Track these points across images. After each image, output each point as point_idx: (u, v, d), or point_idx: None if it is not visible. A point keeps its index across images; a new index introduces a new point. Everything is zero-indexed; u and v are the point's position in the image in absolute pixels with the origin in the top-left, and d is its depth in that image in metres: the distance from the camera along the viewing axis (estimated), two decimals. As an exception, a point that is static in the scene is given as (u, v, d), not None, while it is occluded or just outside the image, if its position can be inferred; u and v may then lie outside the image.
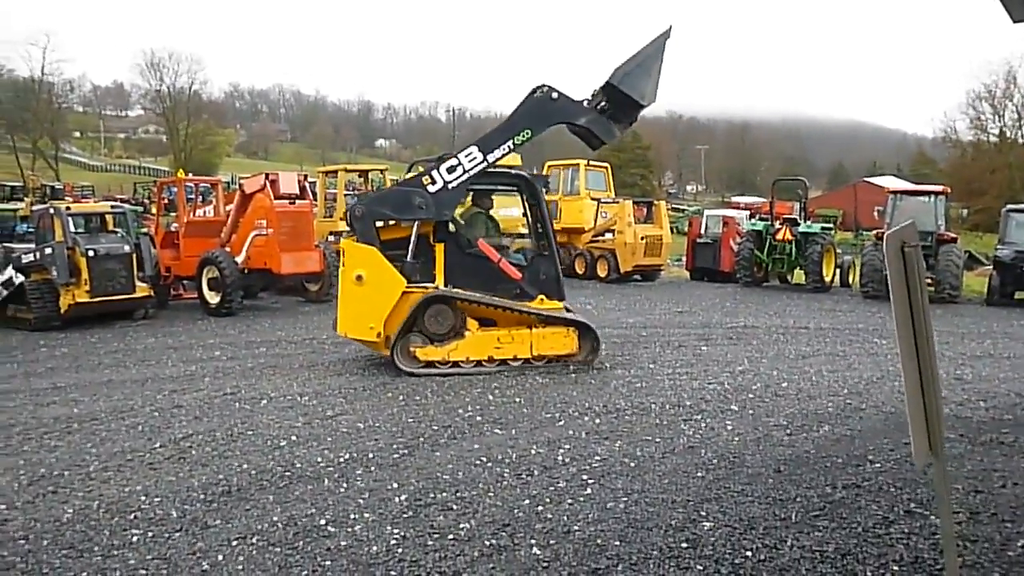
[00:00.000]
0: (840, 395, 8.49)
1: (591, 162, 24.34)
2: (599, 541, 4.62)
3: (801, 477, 5.77)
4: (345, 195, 19.48)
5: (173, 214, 18.22)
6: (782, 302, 17.79)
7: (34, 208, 26.47)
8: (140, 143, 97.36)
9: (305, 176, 17.36)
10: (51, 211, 14.81)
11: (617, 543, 4.59)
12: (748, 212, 31.33)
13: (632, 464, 6.02)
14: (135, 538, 4.96)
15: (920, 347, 2.75)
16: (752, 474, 5.82)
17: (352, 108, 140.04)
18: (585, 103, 9.27)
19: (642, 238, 21.32)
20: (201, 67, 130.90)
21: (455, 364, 9.47)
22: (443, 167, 9.39)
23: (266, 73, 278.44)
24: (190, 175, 22.40)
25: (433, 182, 9.33)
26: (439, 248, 9.66)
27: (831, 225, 27.10)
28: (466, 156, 9.36)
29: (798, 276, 21.34)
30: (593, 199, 22.73)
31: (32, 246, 15.02)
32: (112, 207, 17.07)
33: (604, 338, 11.93)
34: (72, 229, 14.11)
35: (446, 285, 9.60)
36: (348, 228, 9.95)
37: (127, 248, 14.36)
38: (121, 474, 6.19)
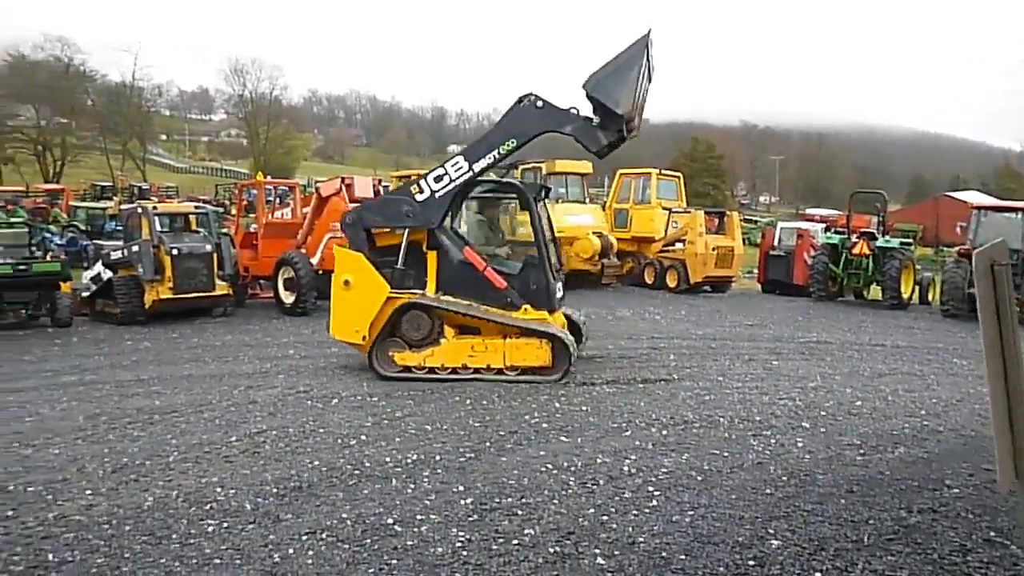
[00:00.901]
0: (917, 416, 8.22)
1: (663, 171, 24.15)
2: (664, 554, 4.58)
3: (874, 499, 5.61)
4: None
5: (252, 215, 18.79)
6: (857, 318, 17.30)
7: (122, 207, 27.65)
8: (222, 146, 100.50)
9: (379, 180, 17.69)
10: (139, 210, 15.44)
11: (682, 557, 4.55)
12: (823, 224, 30.55)
13: (699, 478, 5.95)
14: (210, 528, 5.14)
15: (1009, 369, 2.66)
16: (823, 494, 5.69)
17: (426, 114, 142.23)
18: (571, 111, 9.17)
19: (713, 249, 21.02)
20: (282, 73, 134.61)
21: (431, 370, 9.56)
22: (430, 176, 9.59)
23: (343, 79, 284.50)
24: (269, 178, 23.03)
25: (421, 191, 9.54)
26: (431, 256, 9.74)
27: (910, 240, 26.23)
28: (452, 166, 9.51)
29: (875, 292, 20.72)
30: (664, 208, 22.52)
31: (120, 244, 15.69)
32: (196, 208, 17.69)
33: (672, 349, 11.88)
34: (158, 228, 14.68)
35: (437, 292, 9.68)
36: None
37: (209, 248, 14.87)
38: (199, 466, 6.42)
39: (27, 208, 34.92)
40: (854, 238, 20.26)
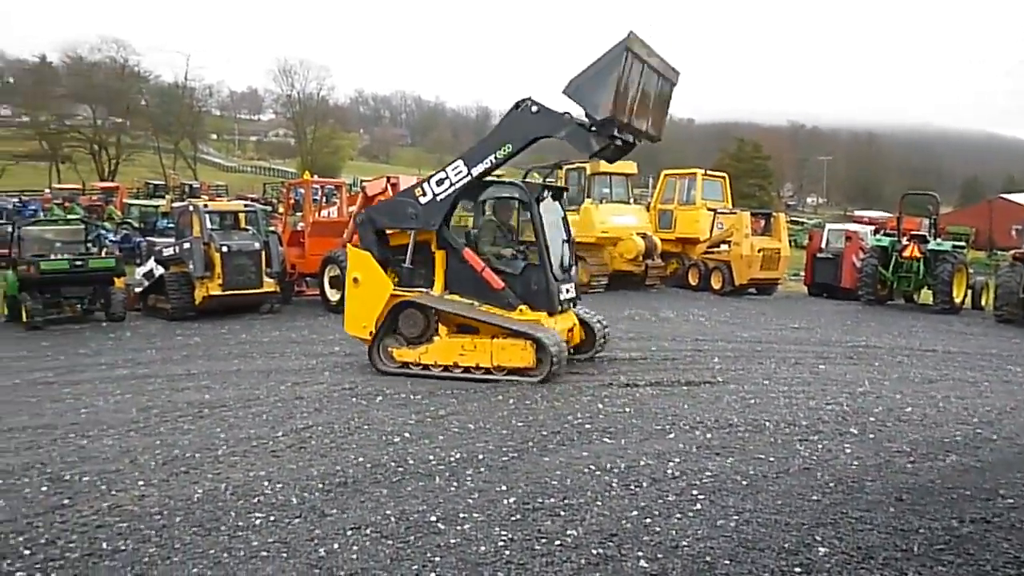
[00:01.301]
0: (969, 423, 8.02)
1: (708, 171, 23.93)
2: (708, 559, 4.55)
3: (924, 508, 5.49)
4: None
5: (299, 214, 19.07)
6: (907, 322, 16.94)
7: (174, 205, 28.28)
8: (270, 146, 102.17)
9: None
10: (190, 208, 15.79)
11: (727, 562, 4.51)
12: (872, 227, 29.97)
13: (744, 482, 5.88)
14: (258, 521, 5.24)
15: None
16: (872, 501, 5.58)
17: (470, 113, 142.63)
18: (566, 115, 9.16)
19: (759, 250, 20.76)
20: (329, 74, 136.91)
21: (425, 367, 9.71)
22: (433, 180, 9.79)
23: (389, 80, 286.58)
24: (316, 177, 23.34)
25: (424, 194, 9.76)
26: (439, 255, 9.94)
27: (963, 243, 25.62)
28: (453, 170, 9.67)
29: (925, 296, 20.26)
30: (709, 209, 22.32)
31: (172, 241, 16.05)
32: (245, 206, 18.01)
33: (716, 351, 11.76)
34: (209, 226, 14.99)
35: (445, 290, 9.90)
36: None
37: (257, 245, 15.14)
38: (246, 459, 6.54)
39: (83, 205, 35.93)
40: (904, 241, 19.84)
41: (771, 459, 6.51)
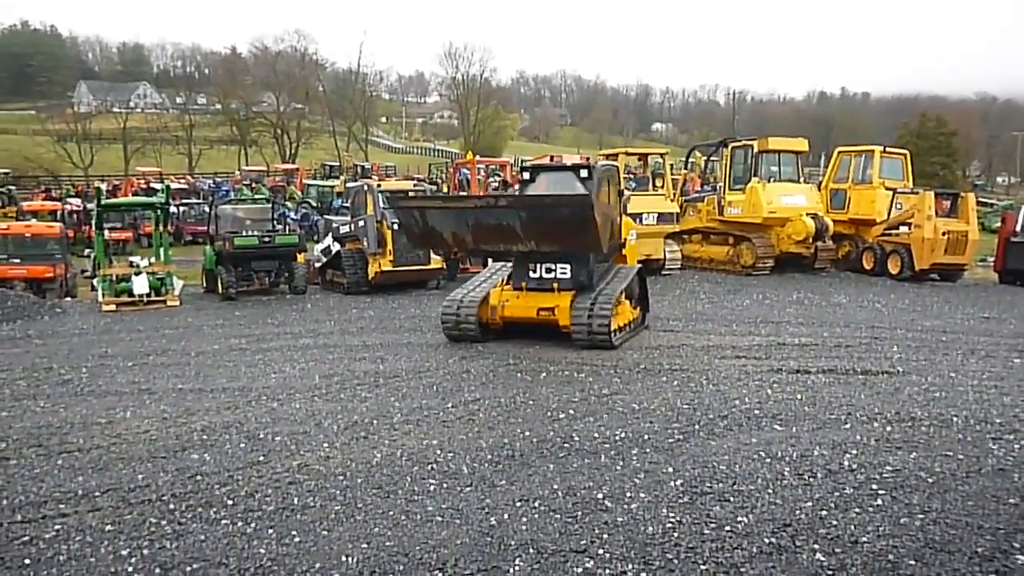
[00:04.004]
0: None
1: (888, 148, 22.39)
2: (891, 557, 4.32)
3: None
4: (624, 178, 19.69)
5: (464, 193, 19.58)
6: (1121, 315, 15.19)
7: (348, 185, 29.80)
8: (435, 127, 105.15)
9: (587, 159, 17.80)
10: (365, 188, 16.60)
11: (912, 562, 4.27)
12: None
13: (930, 480, 5.53)
14: (432, 487, 5.49)
15: None
16: (1080, 509, 5.10)
17: (630, 92, 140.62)
18: None
19: (944, 233, 19.23)
20: (492, 56, 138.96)
21: None
22: None
23: (550, 60, 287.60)
24: (479, 157, 23.90)
25: None
26: None
27: None
28: None
29: None
30: (888, 189, 20.91)
31: (347, 219, 16.97)
32: (413, 186, 18.73)
33: (895, 340, 11.09)
34: (381, 205, 15.71)
35: None
36: None
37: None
38: (419, 428, 6.87)
39: (267, 186, 38.58)
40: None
41: (960, 457, 6.07)
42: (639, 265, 11.81)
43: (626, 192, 13.16)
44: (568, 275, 10.40)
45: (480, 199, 11.06)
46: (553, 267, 10.45)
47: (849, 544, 4.47)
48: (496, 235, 9.99)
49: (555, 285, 10.42)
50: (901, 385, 8.42)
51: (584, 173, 10.66)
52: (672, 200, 19.05)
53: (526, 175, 11.46)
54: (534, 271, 10.56)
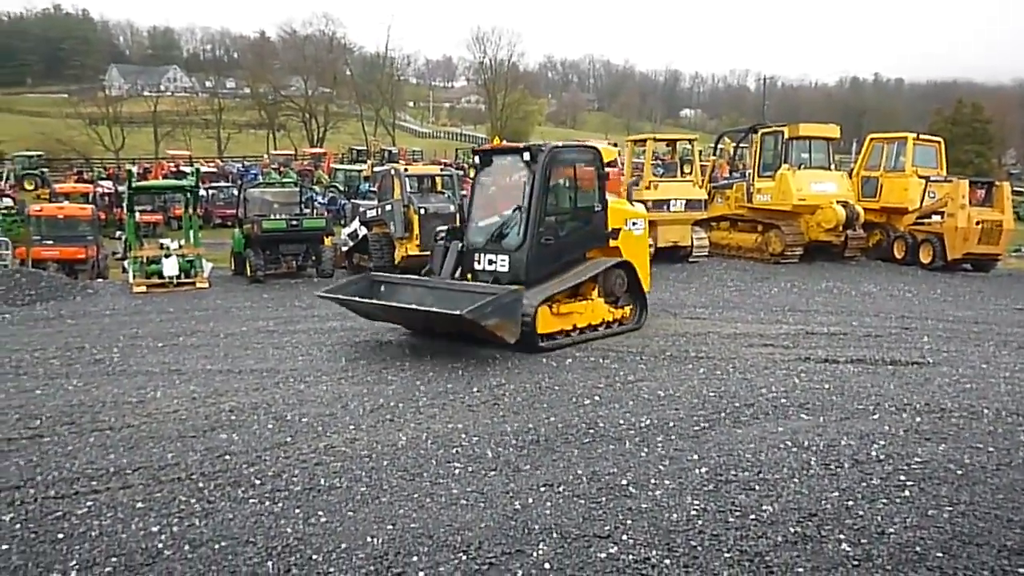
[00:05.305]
0: None
1: (921, 135, 22.01)
2: (918, 549, 4.28)
3: None
4: (652, 164, 19.56)
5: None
6: None
7: (376, 169, 29.89)
8: (462, 112, 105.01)
9: (615, 145, 17.68)
10: (392, 172, 16.64)
11: (939, 554, 4.23)
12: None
13: (959, 472, 5.46)
14: (457, 471, 5.53)
15: None
16: (1114, 503, 5.01)
17: (659, 77, 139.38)
18: None
19: (977, 223, 18.88)
20: (520, 40, 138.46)
21: None
22: None
23: (578, 44, 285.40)
24: (505, 142, 23.81)
25: None
26: None
27: None
28: None
29: None
30: (921, 177, 20.57)
31: (374, 203, 17.04)
32: (441, 170, 18.75)
33: (926, 330, 10.94)
34: (408, 189, 15.75)
35: None
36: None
37: (452, 208, 15.72)
38: (445, 412, 6.91)
39: (295, 170, 38.80)
40: None
41: (990, 449, 5.98)
42: (621, 259, 10.47)
43: (612, 174, 11.97)
44: (507, 268, 9.66)
45: (385, 308, 9.74)
46: (494, 259, 9.82)
47: (875, 535, 4.44)
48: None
49: (495, 278, 9.71)
50: (931, 376, 8.31)
51: (527, 156, 9.71)
52: (700, 187, 18.89)
53: (477, 159, 10.62)
54: (478, 262, 10.00)
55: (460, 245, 10.09)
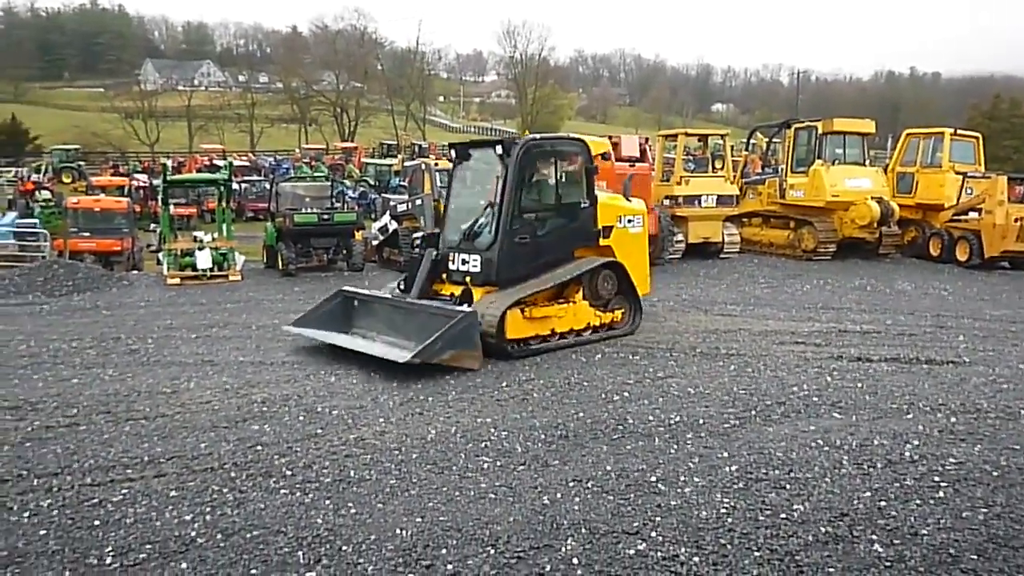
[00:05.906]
0: None
1: (958, 131, 21.60)
2: (951, 551, 4.22)
3: None
4: (684, 159, 19.44)
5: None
6: None
7: (406, 164, 30.01)
8: (492, 106, 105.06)
9: (646, 139, 17.59)
10: (422, 167, 16.70)
11: (973, 557, 4.16)
12: None
13: (995, 473, 5.36)
14: (486, 465, 5.55)
15: None
16: None
17: (691, 72, 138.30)
18: None
19: (1016, 220, 18.49)
20: (550, 34, 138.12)
21: None
22: None
23: (609, 39, 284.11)
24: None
25: None
26: None
27: None
28: None
29: None
30: (958, 173, 20.19)
31: (404, 197, 17.11)
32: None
33: (962, 329, 10.77)
34: (438, 183, 15.78)
35: None
36: None
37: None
38: (473, 406, 6.93)
39: (327, 164, 39.09)
40: None
41: (1028, 451, 5.88)
42: (609, 259, 9.80)
43: (598, 168, 10.52)
44: (479, 268, 9.12)
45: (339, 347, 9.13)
46: (467, 259, 9.25)
47: (908, 536, 4.38)
48: None
49: (467, 279, 9.17)
50: (967, 375, 8.17)
51: (499, 150, 9.19)
52: (732, 182, 18.72)
53: (454, 153, 10.15)
54: (452, 262, 9.46)
55: (435, 253, 9.54)
